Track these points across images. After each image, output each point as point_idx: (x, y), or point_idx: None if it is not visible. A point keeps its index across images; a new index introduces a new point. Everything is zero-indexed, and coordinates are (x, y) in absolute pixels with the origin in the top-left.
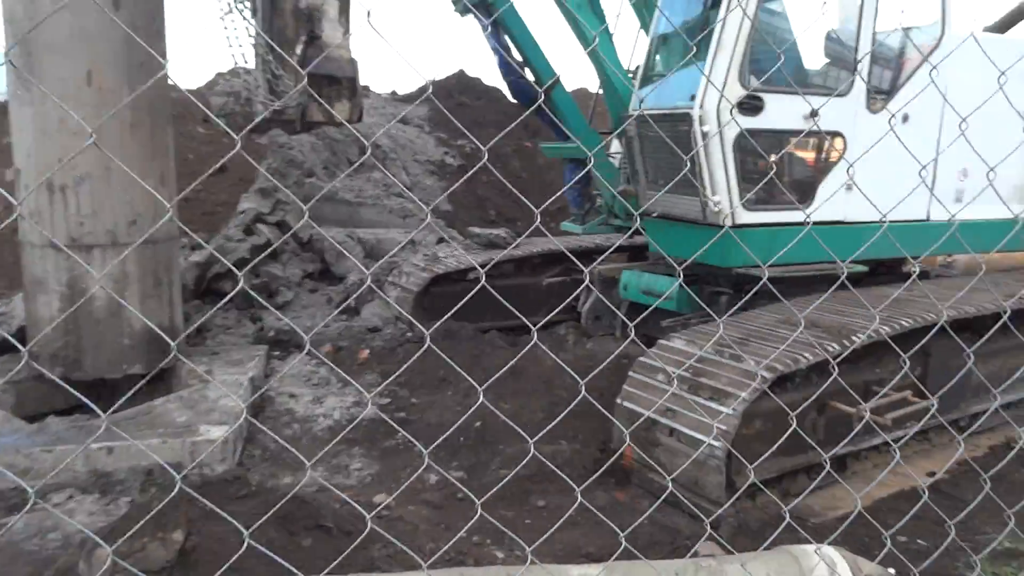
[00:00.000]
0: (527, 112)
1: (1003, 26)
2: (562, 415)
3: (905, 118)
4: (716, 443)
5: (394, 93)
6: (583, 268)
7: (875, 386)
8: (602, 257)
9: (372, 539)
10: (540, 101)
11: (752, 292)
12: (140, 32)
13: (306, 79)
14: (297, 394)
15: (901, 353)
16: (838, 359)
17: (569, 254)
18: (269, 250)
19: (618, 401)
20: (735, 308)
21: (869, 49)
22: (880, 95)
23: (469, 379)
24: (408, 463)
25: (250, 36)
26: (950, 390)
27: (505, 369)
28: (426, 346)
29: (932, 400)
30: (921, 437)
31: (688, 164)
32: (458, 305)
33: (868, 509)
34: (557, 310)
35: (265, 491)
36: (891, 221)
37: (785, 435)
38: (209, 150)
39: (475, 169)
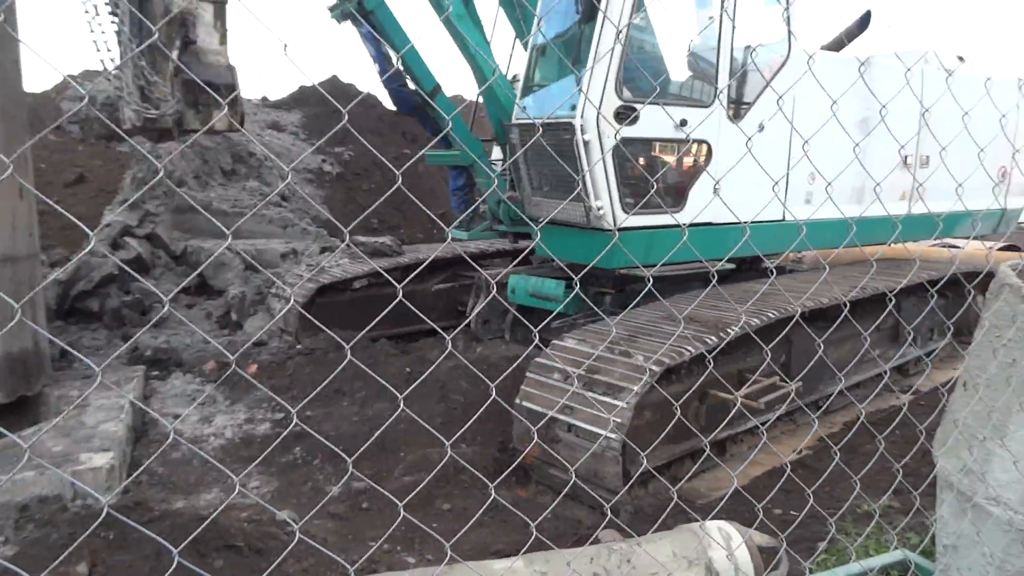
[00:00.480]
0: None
1: (837, 45)
2: (474, 417)
3: (761, 127)
4: (613, 435)
5: (265, 99)
6: (484, 274)
7: (748, 373)
8: (511, 267)
9: (286, 556)
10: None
11: (642, 293)
12: None
13: (183, 85)
14: (181, 415)
15: (764, 346)
16: (715, 351)
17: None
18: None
19: (518, 401)
20: (635, 302)
21: (728, 64)
22: (741, 106)
23: (391, 388)
24: (308, 477)
25: (121, 40)
26: (810, 374)
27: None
28: (347, 359)
29: (791, 386)
30: (788, 419)
31: (569, 172)
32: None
33: (746, 487)
34: (476, 311)
35: (171, 514)
36: (752, 222)
37: (671, 424)
38: (63, 158)
39: (391, 189)
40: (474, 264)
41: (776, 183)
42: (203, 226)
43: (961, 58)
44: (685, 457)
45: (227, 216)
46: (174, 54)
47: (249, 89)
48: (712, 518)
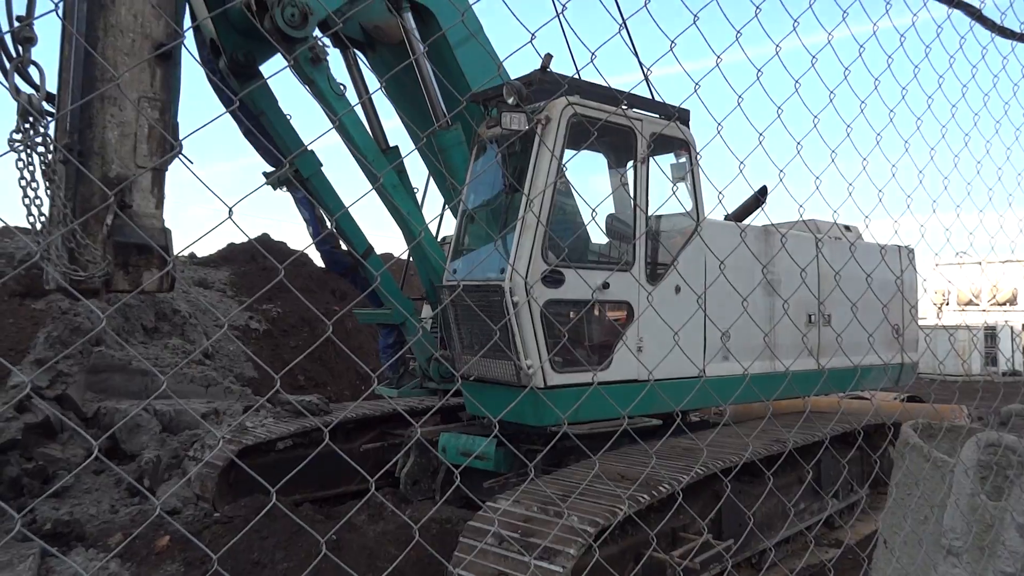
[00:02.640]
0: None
1: (739, 215)
2: None
3: (677, 289)
4: None
5: (193, 255)
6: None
7: (681, 531)
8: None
9: None
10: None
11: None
12: None
13: (114, 247)
14: None
15: (691, 513)
16: (649, 508)
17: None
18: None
19: (451, 568)
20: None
21: (643, 231)
22: (657, 269)
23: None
24: None
25: (55, 203)
26: (742, 529)
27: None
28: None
29: (722, 545)
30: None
31: (499, 332)
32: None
33: None
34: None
35: None
36: (675, 378)
37: None
38: None
39: (320, 341)
40: (409, 418)
41: (683, 347)
42: (119, 386)
43: (848, 227)
44: None
45: (146, 375)
46: (109, 218)
47: (178, 247)
48: None
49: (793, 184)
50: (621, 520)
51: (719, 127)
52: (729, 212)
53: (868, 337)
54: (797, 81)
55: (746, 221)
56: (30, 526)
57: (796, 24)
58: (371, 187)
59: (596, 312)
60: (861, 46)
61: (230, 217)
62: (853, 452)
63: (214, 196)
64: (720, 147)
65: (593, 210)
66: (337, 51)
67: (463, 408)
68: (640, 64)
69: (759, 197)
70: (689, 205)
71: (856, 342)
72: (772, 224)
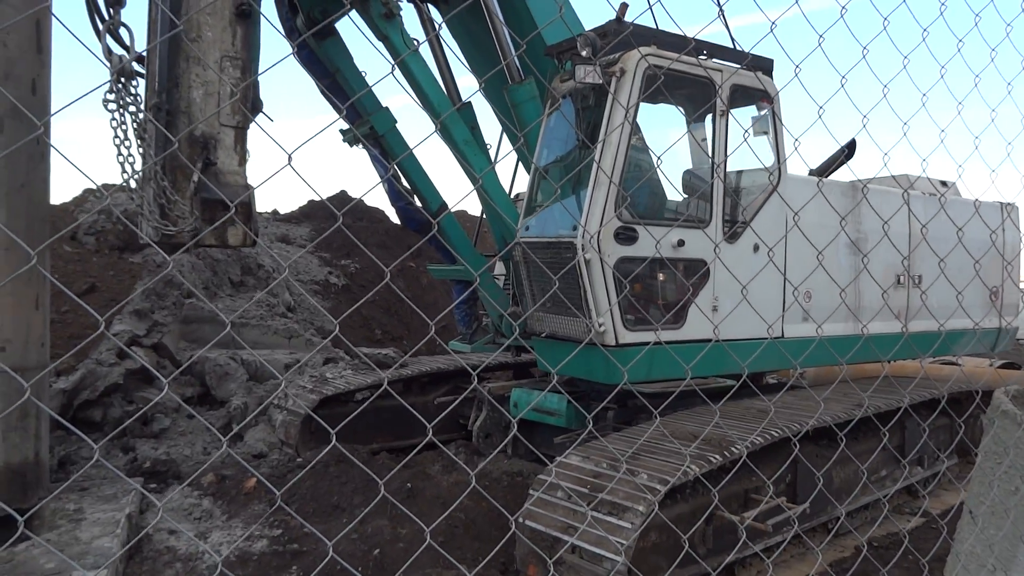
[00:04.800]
0: (422, 240)
1: (823, 170)
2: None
3: (756, 248)
4: (618, 558)
5: (276, 212)
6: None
7: (753, 493)
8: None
9: None
10: (434, 230)
11: (669, 401)
12: (22, 155)
13: (201, 203)
14: (177, 531)
15: (761, 476)
16: (722, 469)
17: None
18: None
19: (520, 520)
20: (661, 411)
21: (721, 187)
22: (735, 226)
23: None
24: None
25: (145, 160)
26: (817, 495)
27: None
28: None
29: (796, 510)
30: (798, 541)
31: (571, 289)
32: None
33: None
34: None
35: None
36: (751, 339)
37: (681, 554)
38: (76, 268)
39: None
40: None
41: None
42: (209, 336)
43: (945, 183)
44: None
45: (234, 326)
46: (195, 176)
47: (262, 204)
48: None
49: (881, 136)
50: (693, 480)
51: (796, 69)
52: (813, 167)
53: (957, 297)
54: (886, 19)
55: (831, 177)
56: (132, 463)
57: None
58: (442, 140)
59: (670, 270)
60: None
61: (289, 164)
62: (938, 418)
63: (281, 149)
64: (800, 94)
65: (659, 158)
66: (411, 6)
67: (535, 364)
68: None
69: (847, 151)
70: (770, 159)
71: (947, 304)
72: (859, 180)
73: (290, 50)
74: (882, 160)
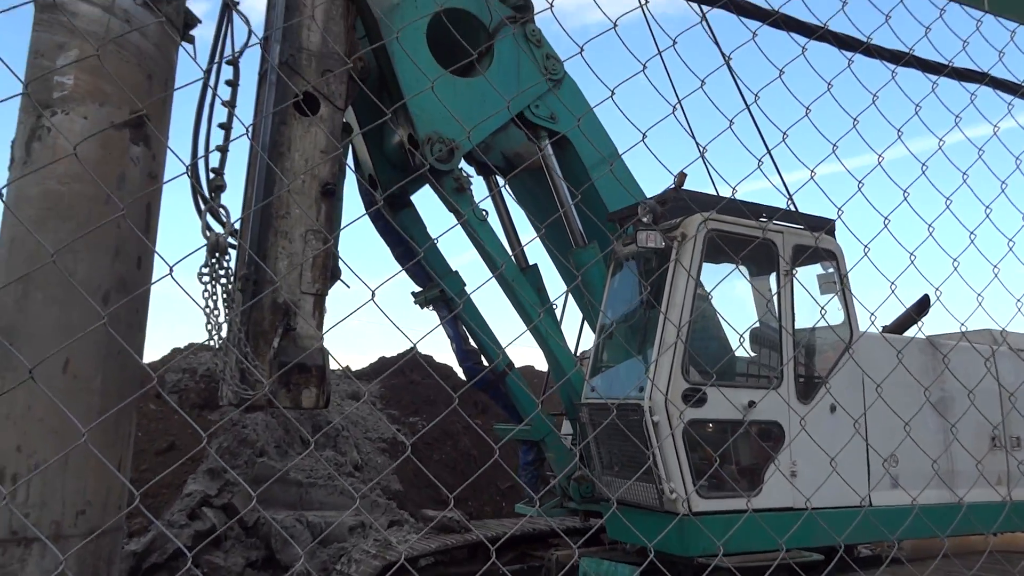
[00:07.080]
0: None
1: (899, 327)
2: None
3: (833, 408)
4: None
5: (348, 368)
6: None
7: None
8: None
9: None
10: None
11: None
12: (122, 324)
13: (279, 367)
14: None
15: None
16: None
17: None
18: (211, 537)
19: None
20: None
21: (791, 345)
22: (809, 386)
23: None
24: None
25: (231, 328)
26: None
27: None
28: None
29: None
30: None
31: (639, 454)
32: None
33: None
34: None
35: None
36: (835, 507)
37: None
38: (159, 427)
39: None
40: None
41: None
42: (278, 497)
43: None
44: None
45: (301, 486)
46: (275, 341)
47: (334, 362)
48: None
49: (949, 295)
50: None
51: (865, 248)
52: (886, 324)
53: None
54: (965, 173)
55: (907, 333)
56: None
57: (958, 119)
58: (511, 304)
59: (743, 433)
60: None
61: (372, 300)
62: None
63: (366, 312)
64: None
65: (729, 324)
66: (480, 178)
67: (604, 530)
68: (766, 147)
69: (921, 306)
70: (839, 317)
71: None
72: (939, 335)
73: (367, 220)
74: (959, 327)
